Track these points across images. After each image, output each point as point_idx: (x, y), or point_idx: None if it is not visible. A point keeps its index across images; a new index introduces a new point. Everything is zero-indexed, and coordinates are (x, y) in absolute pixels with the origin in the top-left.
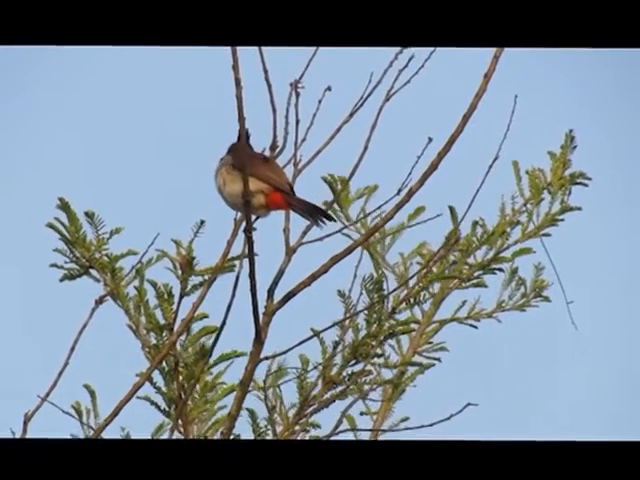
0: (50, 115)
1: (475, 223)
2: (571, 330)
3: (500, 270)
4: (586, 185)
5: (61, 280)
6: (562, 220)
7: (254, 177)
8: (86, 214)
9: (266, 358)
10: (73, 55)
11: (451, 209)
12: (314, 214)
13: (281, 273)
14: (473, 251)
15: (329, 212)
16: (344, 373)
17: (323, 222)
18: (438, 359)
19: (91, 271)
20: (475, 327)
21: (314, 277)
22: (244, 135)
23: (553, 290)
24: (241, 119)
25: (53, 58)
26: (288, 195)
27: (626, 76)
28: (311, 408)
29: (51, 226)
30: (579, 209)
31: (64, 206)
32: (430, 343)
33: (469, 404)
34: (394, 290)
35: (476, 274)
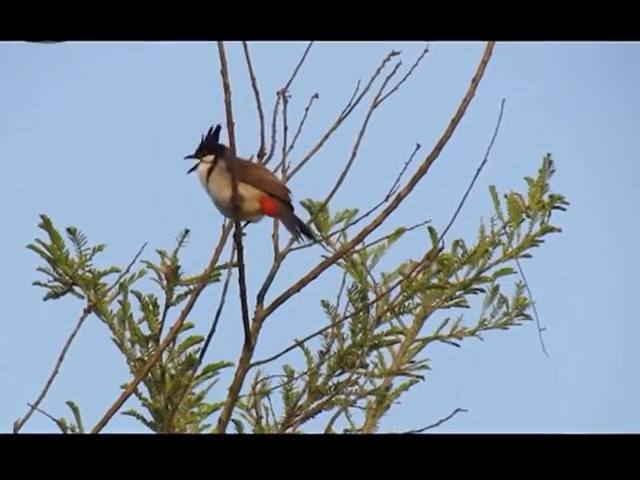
0: (26, 131)
1: (456, 243)
2: (553, 348)
3: (481, 290)
4: (564, 209)
5: (45, 299)
6: (542, 241)
7: (249, 183)
8: (68, 230)
9: (257, 364)
10: (50, 61)
11: (430, 230)
12: (297, 230)
13: (270, 279)
14: (455, 271)
15: (312, 232)
16: (330, 383)
17: (302, 239)
18: (421, 377)
19: (75, 288)
20: (457, 345)
21: (303, 283)
22: (234, 141)
23: (536, 308)
24: (230, 124)
25: (30, 62)
26: (281, 204)
27: (606, 99)
28: (297, 418)
29: (32, 247)
30: (559, 230)
31: (46, 224)
32: (412, 362)
33: (459, 409)
34: (380, 297)
35: (458, 293)
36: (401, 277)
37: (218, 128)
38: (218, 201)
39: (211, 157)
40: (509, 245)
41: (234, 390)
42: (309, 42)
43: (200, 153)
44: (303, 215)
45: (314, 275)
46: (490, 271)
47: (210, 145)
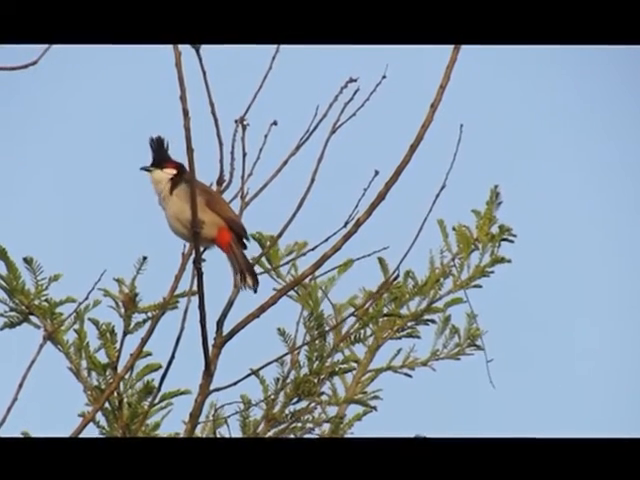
0: None
1: (407, 274)
2: (502, 379)
3: (433, 322)
4: (512, 241)
5: (1, 328)
6: (492, 272)
7: (213, 210)
8: (25, 260)
9: (216, 390)
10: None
11: (380, 261)
12: (243, 274)
13: (230, 305)
14: (406, 301)
15: (257, 279)
16: (286, 411)
17: (245, 287)
18: (374, 407)
19: (31, 318)
20: (410, 376)
21: (263, 309)
22: (194, 167)
23: (488, 337)
24: (189, 151)
25: None
26: (235, 242)
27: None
28: None
29: None
30: (509, 261)
31: (2, 253)
32: (365, 392)
33: (417, 436)
34: (336, 326)
35: (409, 324)
36: (353, 308)
37: (161, 140)
38: (178, 219)
39: (173, 171)
40: (459, 276)
41: (194, 416)
42: (268, 68)
43: (161, 164)
44: (254, 248)
45: (273, 301)
46: (441, 302)
47: (170, 159)
